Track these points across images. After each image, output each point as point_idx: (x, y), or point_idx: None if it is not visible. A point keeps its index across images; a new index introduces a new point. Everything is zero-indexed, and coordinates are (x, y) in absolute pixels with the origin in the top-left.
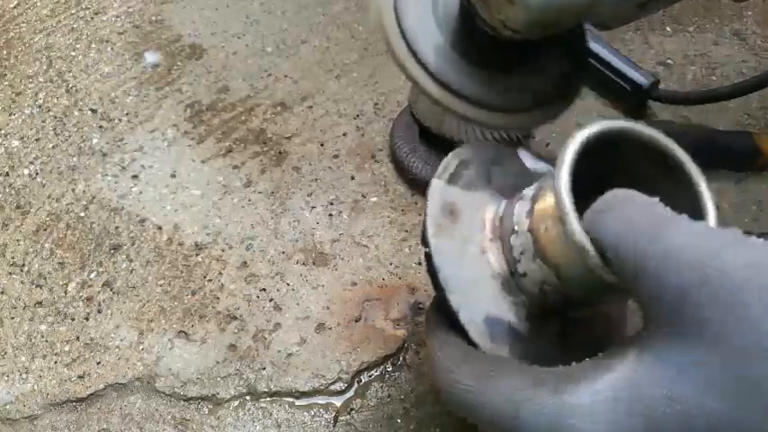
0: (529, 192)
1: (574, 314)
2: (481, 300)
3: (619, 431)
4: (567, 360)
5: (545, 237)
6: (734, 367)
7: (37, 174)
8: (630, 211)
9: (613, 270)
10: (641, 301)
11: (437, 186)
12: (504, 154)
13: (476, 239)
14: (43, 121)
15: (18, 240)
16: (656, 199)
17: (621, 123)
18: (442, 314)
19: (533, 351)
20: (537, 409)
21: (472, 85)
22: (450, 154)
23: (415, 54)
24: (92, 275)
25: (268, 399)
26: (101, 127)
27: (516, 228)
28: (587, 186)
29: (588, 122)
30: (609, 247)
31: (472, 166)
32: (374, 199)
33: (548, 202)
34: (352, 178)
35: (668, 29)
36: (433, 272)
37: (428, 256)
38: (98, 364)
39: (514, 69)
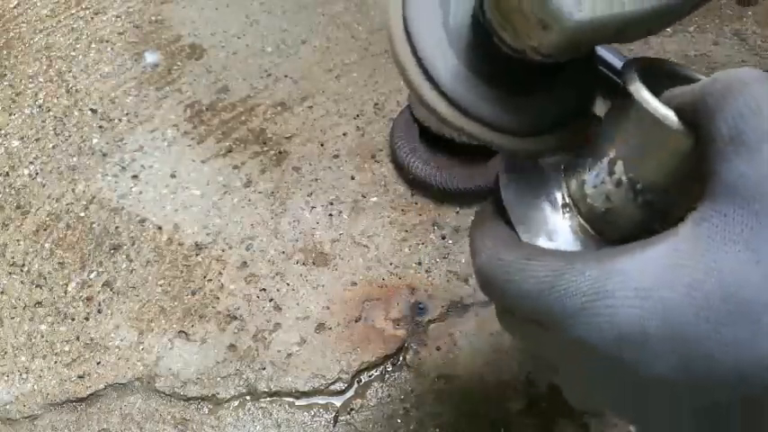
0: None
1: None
2: (540, 217)
3: (663, 301)
4: None
5: (636, 141)
6: None
7: (37, 174)
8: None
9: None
10: (710, 154)
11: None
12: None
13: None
14: (43, 121)
15: (18, 240)
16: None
17: (667, 63)
18: (498, 214)
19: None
20: (577, 275)
21: (485, 105)
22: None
23: (426, 72)
24: (92, 275)
25: (268, 399)
26: (101, 127)
27: (597, 160)
28: None
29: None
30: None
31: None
32: (374, 199)
33: (624, 112)
34: (352, 178)
35: (668, 29)
36: (499, 194)
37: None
38: (98, 364)
39: (530, 90)
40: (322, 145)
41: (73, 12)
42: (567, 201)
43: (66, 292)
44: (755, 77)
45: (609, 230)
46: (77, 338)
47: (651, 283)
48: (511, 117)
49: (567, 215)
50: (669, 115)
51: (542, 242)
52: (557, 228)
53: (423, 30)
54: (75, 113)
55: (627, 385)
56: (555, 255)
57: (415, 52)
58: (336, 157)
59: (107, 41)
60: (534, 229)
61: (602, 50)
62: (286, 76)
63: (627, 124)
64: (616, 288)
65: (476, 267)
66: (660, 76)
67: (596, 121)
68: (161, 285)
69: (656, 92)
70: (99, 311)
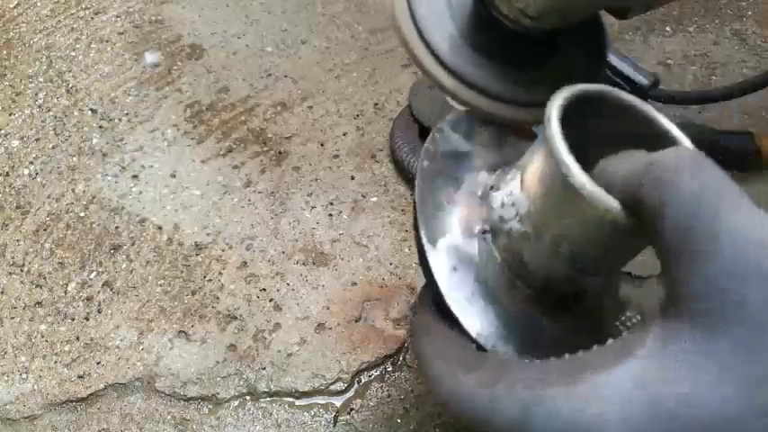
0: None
1: (564, 288)
2: (471, 279)
3: (636, 426)
4: (566, 348)
5: (540, 188)
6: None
7: (37, 174)
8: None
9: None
10: (667, 261)
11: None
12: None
13: (468, 216)
14: (43, 121)
15: (18, 240)
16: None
17: (597, 86)
18: (434, 301)
19: (528, 334)
20: (551, 406)
21: (482, 74)
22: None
23: (427, 44)
24: (92, 275)
25: (268, 399)
26: (101, 127)
27: (508, 188)
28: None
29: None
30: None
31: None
32: (374, 199)
33: (542, 156)
34: (352, 178)
35: (668, 29)
36: (420, 252)
37: (419, 244)
38: (98, 364)
39: (529, 64)
40: (322, 145)
41: (73, 12)
42: (485, 228)
43: (66, 292)
44: (694, 164)
45: (523, 272)
46: (77, 338)
47: (626, 415)
48: (505, 86)
49: (481, 243)
50: (609, 202)
51: (444, 274)
52: (465, 257)
53: (425, 2)
54: (75, 113)
55: None
56: (518, 372)
57: (416, 23)
58: (336, 157)
59: (107, 41)
60: (443, 255)
61: (613, 58)
62: (286, 76)
63: (553, 187)
64: (593, 423)
65: (436, 398)
66: (604, 105)
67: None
68: (161, 285)
69: (596, 128)
70: (99, 311)
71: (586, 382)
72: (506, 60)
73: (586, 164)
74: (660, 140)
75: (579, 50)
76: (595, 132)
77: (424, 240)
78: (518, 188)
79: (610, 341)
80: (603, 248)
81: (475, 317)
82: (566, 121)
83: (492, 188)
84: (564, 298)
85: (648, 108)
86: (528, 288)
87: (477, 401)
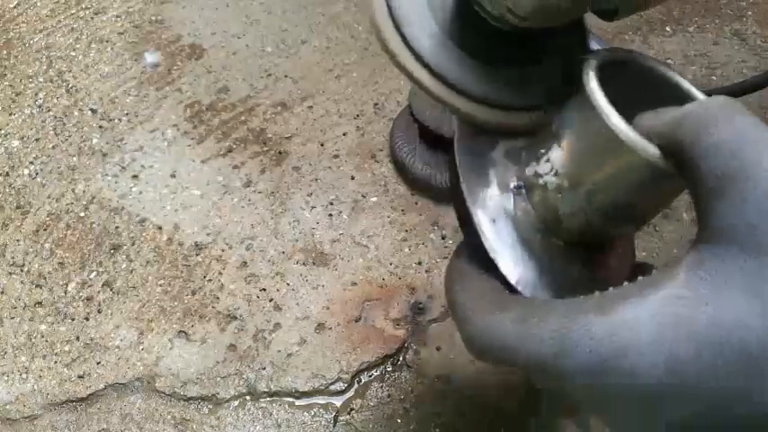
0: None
1: (593, 239)
2: (509, 231)
3: (670, 353)
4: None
5: (582, 144)
6: None
7: (37, 174)
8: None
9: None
10: (700, 197)
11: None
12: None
13: (504, 173)
14: (43, 121)
15: (18, 240)
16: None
17: (625, 52)
18: (468, 257)
19: (561, 283)
20: (582, 334)
21: (467, 76)
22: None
23: (408, 45)
24: (92, 275)
25: (268, 399)
26: (101, 127)
27: (546, 151)
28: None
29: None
30: (671, 128)
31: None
32: (374, 199)
33: (579, 110)
34: (352, 178)
35: (668, 29)
36: (461, 204)
37: (456, 184)
38: (98, 364)
39: (513, 63)
40: (322, 145)
41: (73, 12)
42: (520, 184)
43: (66, 292)
44: (728, 110)
45: (556, 226)
46: (77, 338)
47: (658, 336)
48: (491, 89)
49: (517, 198)
50: (649, 148)
51: (487, 225)
52: (502, 211)
53: (404, 1)
54: (75, 113)
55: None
56: (551, 308)
57: (396, 24)
58: (336, 157)
59: (107, 41)
60: (482, 208)
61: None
62: (286, 76)
63: (592, 140)
64: (627, 346)
65: (466, 337)
66: (626, 72)
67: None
68: (161, 285)
69: (619, 96)
70: (99, 311)
71: (619, 311)
72: (489, 59)
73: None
74: (681, 102)
75: (563, 50)
76: (623, 97)
77: (465, 193)
78: (554, 144)
79: (640, 278)
80: (640, 196)
81: (513, 266)
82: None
83: (527, 147)
84: (596, 248)
85: (673, 73)
86: (561, 240)
87: (509, 334)
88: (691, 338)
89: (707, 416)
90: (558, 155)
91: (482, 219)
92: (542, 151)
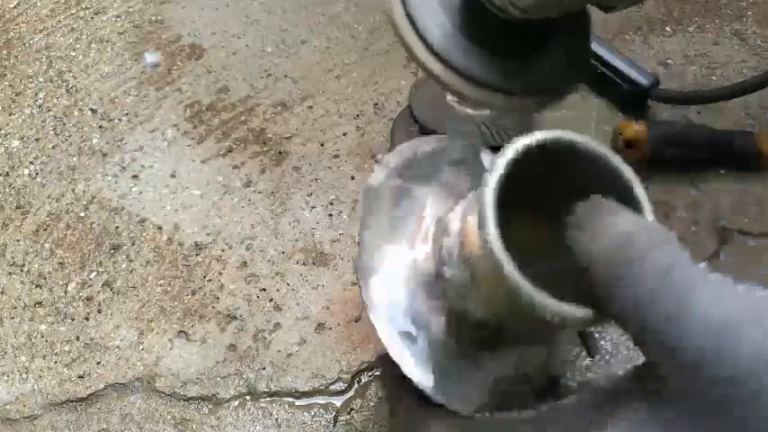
0: (465, 201)
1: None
2: (407, 309)
3: None
4: (482, 381)
5: (473, 255)
6: None
7: (37, 174)
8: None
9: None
10: (652, 362)
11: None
12: (472, 154)
13: (409, 236)
14: (43, 121)
15: (18, 240)
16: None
17: (543, 134)
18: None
19: (454, 373)
20: None
21: (476, 64)
22: (411, 142)
23: (419, 33)
24: (92, 275)
25: (268, 399)
26: (101, 127)
27: (449, 231)
28: (527, 190)
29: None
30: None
31: (427, 160)
32: None
33: (473, 221)
34: (352, 178)
35: (668, 29)
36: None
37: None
38: (98, 364)
39: (519, 53)
40: (322, 145)
41: (73, 12)
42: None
43: (66, 292)
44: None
45: (443, 299)
46: (77, 338)
47: None
48: (498, 76)
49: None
50: (586, 316)
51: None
52: (404, 280)
53: None
54: (75, 113)
55: None
56: None
57: (408, 14)
58: (336, 157)
59: (107, 41)
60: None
61: (613, 58)
62: (286, 76)
63: (484, 268)
64: None
65: None
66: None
67: (582, 89)
68: (161, 285)
69: (550, 172)
70: (99, 311)
71: None
72: (496, 49)
73: (538, 202)
74: (621, 183)
75: (567, 39)
76: (555, 169)
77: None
78: (456, 253)
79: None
80: (522, 325)
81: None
82: (524, 161)
83: (440, 236)
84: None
85: (604, 149)
86: (466, 330)
87: None
88: None
89: None
90: (456, 247)
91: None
92: (449, 237)
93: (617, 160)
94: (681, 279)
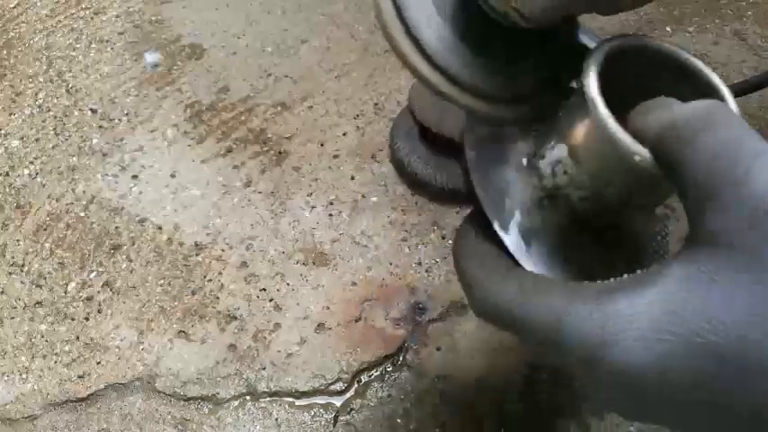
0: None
1: (603, 223)
2: (516, 210)
3: (656, 348)
4: (601, 275)
5: (579, 141)
6: None
7: (37, 174)
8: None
9: (659, 162)
10: (689, 203)
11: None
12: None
13: (514, 151)
14: (43, 121)
15: (18, 240)
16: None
17: (636, 40)
18: (478, 225)
19: (567, 264)
20: (579, 318)
21: (472, 72)
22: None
23: (413, 38)
24: (92, 275)
25: (268, 399)
26: (101, 127)
27: (552, 142)
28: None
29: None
30: (660, 133)
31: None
32: (374, 199)
33: (581, 106)
34: (352, 178)
35: (668, 29)
36: (470, 180)
37: (467, 165)
38: (98, 364)
39: (515, 58)
40: (322, 145)
41: (73, 12)
42: (531, 163)
43: (66, 292)
44: (713, 118)
45: (551, 213)
46: (77, 338)
47: (649, 333)
48: (494, 83)
49: (528, 179)
50: (640, 151)
51: (498, 211)
52: (515, 194)
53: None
54: (75, 113)
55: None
56: (554, 288)
57: (402, 19)
58: (336, 157)
59: (107, 41)
60: (495, 197)
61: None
62: (286, 76)
63: (587, 138)
64: (616, 338)
65: (473, 301)
66: (636, 58)
67: (577, 93)
68: (161, 285)
69: (634, 82)
70: (99, 311)
71: (614, 302)
72: (496, 55)
73: (620, 106)
74: (699, 86)
75: (563, 42)
76: (637, 84)
77: (475, 169)
78: (557, 138)
79: (638, 272)
80: (640, 193)
81: (523, 245)
82: (604, 74)
83: (535, 155)
84: (610, 228)
85: (693, 59)
86: (571, 220)
87: (513, 308)
88: (681, 338)
89: (693, 408)
90: (560, 150)
91: (490, 195)
92: (549, 144)
93: (698, 64)
94: (754, 144)
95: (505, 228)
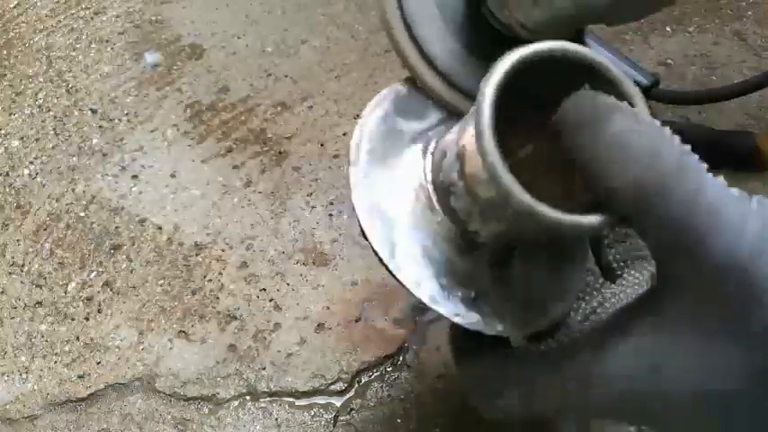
0: (461, 121)
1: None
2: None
3: (641, 400)
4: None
5: (469, 163)
6: (753, 355)
7: (37, 174)
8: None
9: (613, 214)
10: (654, 256)
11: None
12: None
13: (410, 172)
14: (43, 121)
15: (18, 240)
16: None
17: (539, 46)
18: (462, 341)
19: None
20: (580, 393)
21: (475, 78)
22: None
23: (422, 51)
24: (92, 275)
25: (268, 399)
26: (101, 127)
27: (447, 153)
28: (521, 103)
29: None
30: (608, 179)
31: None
32: None
33: (471, 135)
34: None
35: (668, 29)
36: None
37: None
38: (98, 364)
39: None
40: (322, 145)
41: (73, 12)
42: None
43: (66, 292)
44: (678, 174)
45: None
46: (77, 338)
47: (632, 384)
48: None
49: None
50: (595, 222)
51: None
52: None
53: (417, 8)
54: (75, 113)
55: None
56: (540, 379)
57: (410, 31)
58: (336, 157)
59: (107, 41)
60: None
61: (613, 58)
62: (286, 76)
63: (488, 190)
64: (601, 398)
65: (483, 413)
66: (547, 64)
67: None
68: (161, 285)
69: (548, 84)
70: (99, 311)
71: (591, 362)
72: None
73: (530, 108)
74: (614, 88)
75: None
76: (540, 78)
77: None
78: (457, 177)
79: (611, 319)
80: (536, 234)
81: (416, 280)
82: (518, 75)
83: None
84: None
85: (597, 58)
86: (475, 248)
87: (520, 413)
88: (660, 393)
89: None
90: (462, 190)
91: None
92: (449, 181)
93: (607, 66)
94: (710, 201)
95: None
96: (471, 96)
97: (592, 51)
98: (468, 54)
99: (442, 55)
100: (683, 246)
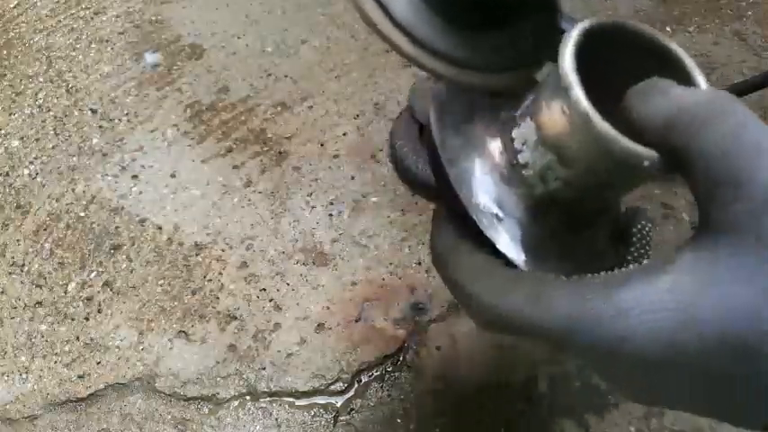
0: (530, 95)
1: (579, 209)
2: (489, 195)
3: (669, 341)
4: (576, 257)
5: (553, 125)
6: None
7: (37, 174)
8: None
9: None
10: (699, 194)
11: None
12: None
13: (480, 138)
14: (43, 121)
15: (18, 240)
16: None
17: (613, 21)
18: (453, 229)
19: (560, 262)
20: (592, 317)
21: (446, 41)
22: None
23: (383, 6)
24: (92, 275)
25: (268, 399)
26: (101, 127)
27: (519, 121)
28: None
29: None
30: (664, 122)
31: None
32: (374, 199)
33: (553, 88)
34: (352, 178)
35: (668, 29)
36: (442, 173)
37: (434, 156)
38: (98, 364)
39: (488, 29)
40: (322, 145)
41: (73, 12)
42: (501, 145)
43: (66, 292)
44: (721, 109)
45: (524, 187)
46: (77, 338)
47: (660, 323)
48: (467, 51)
49: (497, 158)
50: (651, 156)
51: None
52: (487, 182)
53: None
54: (75, 113)
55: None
56: (561, 288)
57: None
58: (336, 157)
59: (107, 41)
60: (466, 182)
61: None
62: (286, 76)
63: (560, 121)
64: (629, 332)
65: (474, 312)
66: (612, 42)
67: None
68: (161, 285)
69: (608, 64)
70: (99, 311)
71: (623, 295)
72: (469, 24)
73: (599, 91)
74: (672, 68)
75: (540, 11)
76: (612, 65)
77: (447, 168)
78: (529, 120)
79: (645, 261)
80: (636, 180)
81: (508, 241)
82: (580, 57)
83: (505, 120)
84: (586, 215)
85: (673, 45)
86: (553, 212)
87: (522, 317)
88: (689, 327)
89: (702, 389)
90: (528, 131)
91: (471, 202)
92: (518, 126)
93: (677, 49)
94: (753, 135)
95: (496, 234)
96: (429, 49)
97: (658, 33)
98: (429, 9)
99: (402, 9)
100: (731, 178)
